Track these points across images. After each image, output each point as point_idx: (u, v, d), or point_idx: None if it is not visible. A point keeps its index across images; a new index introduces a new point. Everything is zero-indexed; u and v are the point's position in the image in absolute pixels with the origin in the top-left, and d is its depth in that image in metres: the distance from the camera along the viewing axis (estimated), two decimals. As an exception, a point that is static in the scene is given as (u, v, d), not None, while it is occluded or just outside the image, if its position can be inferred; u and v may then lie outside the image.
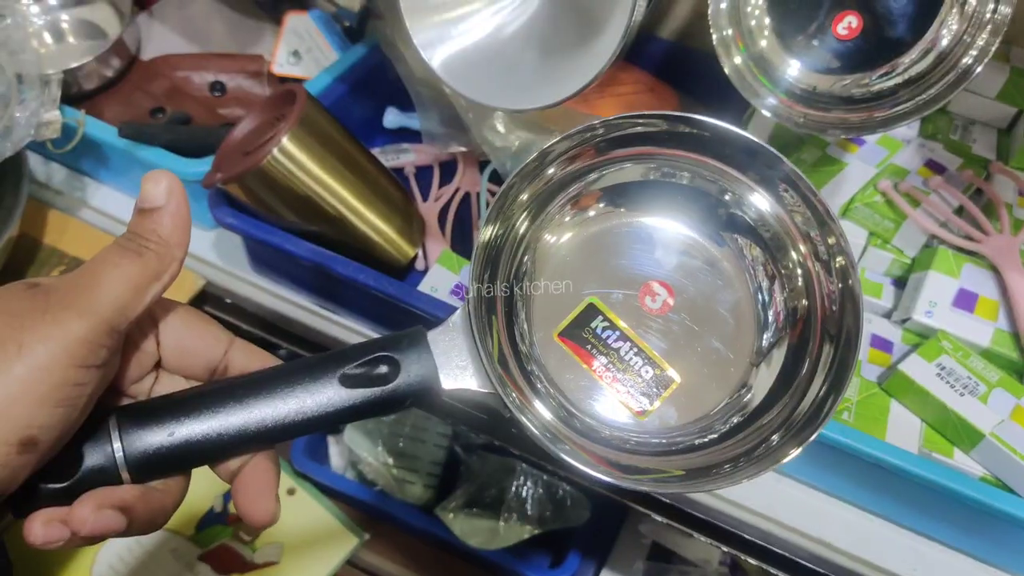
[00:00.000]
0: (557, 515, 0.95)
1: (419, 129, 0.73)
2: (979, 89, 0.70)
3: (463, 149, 0.72)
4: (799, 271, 0.37)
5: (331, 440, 1.03)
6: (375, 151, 0.75)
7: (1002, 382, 0.55)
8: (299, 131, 0.57)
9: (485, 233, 0.35)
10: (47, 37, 0.79)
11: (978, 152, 0.69)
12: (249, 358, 0.36)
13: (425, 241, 0.70)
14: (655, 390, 0.37)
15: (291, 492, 0.99)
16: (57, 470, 0.31)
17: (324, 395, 0.33)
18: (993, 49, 0.44)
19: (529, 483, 0.96)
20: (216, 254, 0.70)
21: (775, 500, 0.57)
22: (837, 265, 0.35)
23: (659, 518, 0.62)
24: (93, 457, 0.32)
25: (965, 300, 0.59)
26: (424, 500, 0.98)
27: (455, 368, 0.34)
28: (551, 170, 0.37)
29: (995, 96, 0.70)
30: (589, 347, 0.37)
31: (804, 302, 0.37)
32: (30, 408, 0.28)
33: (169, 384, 0.36)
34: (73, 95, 0.74)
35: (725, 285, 0.38)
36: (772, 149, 0.35)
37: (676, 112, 0.36)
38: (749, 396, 0.37)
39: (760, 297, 0.38)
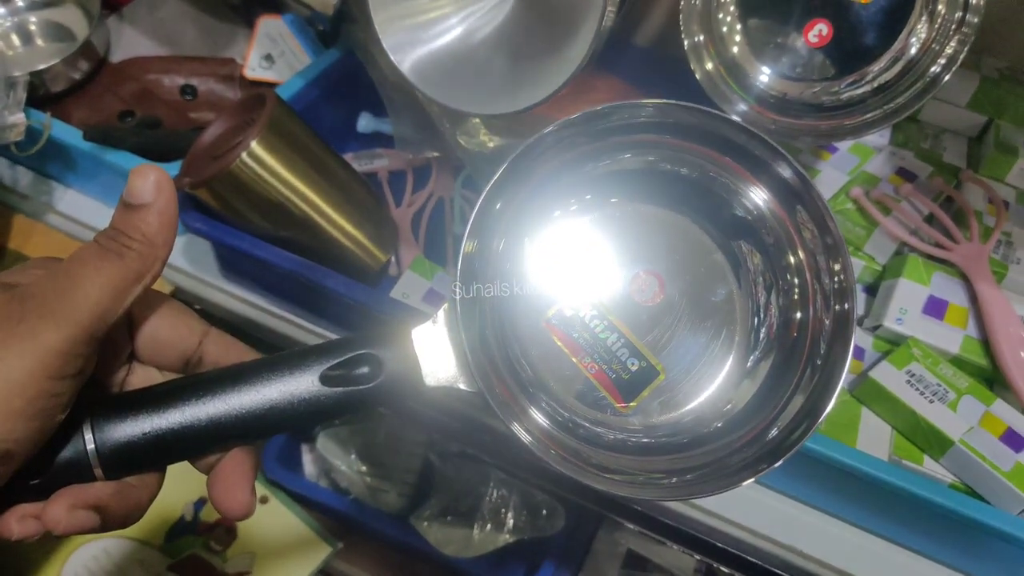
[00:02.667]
0: (532, 523, 0.94)
1: (392, 134, 0.72)
2: (950, 98, 0.70)
3: (437, 154, 0.72)
4: (796, 280, 0.36)
5: (304, 448, 1.02)
6: (348, 156, 0.74)
7: (971, 389, 0.55)
8: (268, 135, 0.56)
9: (467, 245, 0.34)
10: (14, 39, 0.78)
11: (948, 160, 0.69)
12: (225, 349, 0.35)
13: (398, 247, 0.69)
14: (640, 382, 0.36)
15: (264, 500, 0.97)
16: (30, 466, 0.30)
17: (303, 393, 0.32)
18: (961, 58, 0.45)
19: (504, 491, 0.95)
20: (185, 259, 0.69)
21: (747, 508, 0.57)
22: (836, 286, 0.34)
23: (632, 526, 0.62)
24: (66, 453, 0.31)
25: (935, 307, 0.59)
26: (398, 508, 0.97)
27: (438, 366, 0.33)
28: (538, 163, 0.36)
29: (965, 105, 0.70)
30: (576, 336, 0.36)
31: (798, 315, 0.36)
32: (5, 423, 0.27)
33: (143, 375, 0.35)
34: (40, 97, 0.73)
35: (720, 284, 0.37)
36: (794, 162, 0.33)
37: (690, 104, 0.34)
38: (729, 406, 0.36)
39: (757, 315, 0.37)
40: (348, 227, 0.62)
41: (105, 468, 0.31)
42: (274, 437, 0.99)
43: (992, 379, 0.58)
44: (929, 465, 0.54)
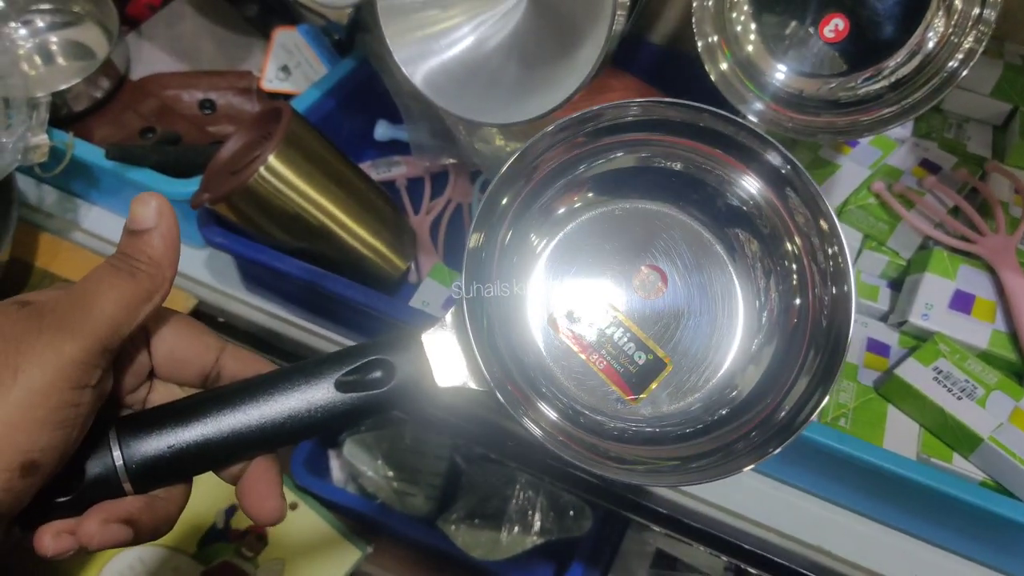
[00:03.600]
0: (560, 525, 0.94)
1: (409, 141, 0.73)
2: (973, 86, 0.69)
3: (454, 160, 0.72)
4: (794, 266, 0.37)
5: (332, 454, 1.02)
6: (366, 164, 0.75)
7: (1000, 384, 0.54)
8: (285, 148, 0.57)
9: (473, 239, 0.35)
10: (36, 59, 0.79)
11: (973, 150, 0.68)
12: (242, 364, 0.37)
13: (417, 254, 0.70)
14: (648, 375, 0.37)
15: (293, 507, 0.98)
16: (61, 483, 0.31)
17: (320, 400, 0.34)
18: (979, 52, 0.44)
19: (531, 493, 0.95)
20: (208, 273, 0.69)
21: (773, 508, 0.57)
22: (832, 269, 0.35)
23: (657, 528, 0.62)
24: (95, 469, 0.32)
25: (962, 302, 0.58)
26: (426, 512, 0.98)
27: (449, 367, 0.34)
28: (539, 163, 0.37)
29: (989, 93, 0.69)
30: (582, 332, 0.37)
31: (797, 301, 0.36)
32: (30, 433, 0.28)
33: (164, 392, 0.36)
34: (63, 117, 0.74)
35: (720, 274, 0.38)
36: (783, 149, 0.34)
37: (675, 100, 0.35)
38: (735, 393, 0.37)
39: (758, 300, 0.37)
40: (367, 236, 0.63)
41: (134, 482, 0.32)
42: (301, 444, 1.00)
43: (1022, 374, 0.56)
44: (958, 463, 0.53)
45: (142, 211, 0.33)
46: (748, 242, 0.38)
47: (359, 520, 0.99)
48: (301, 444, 1.01)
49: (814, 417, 0.33)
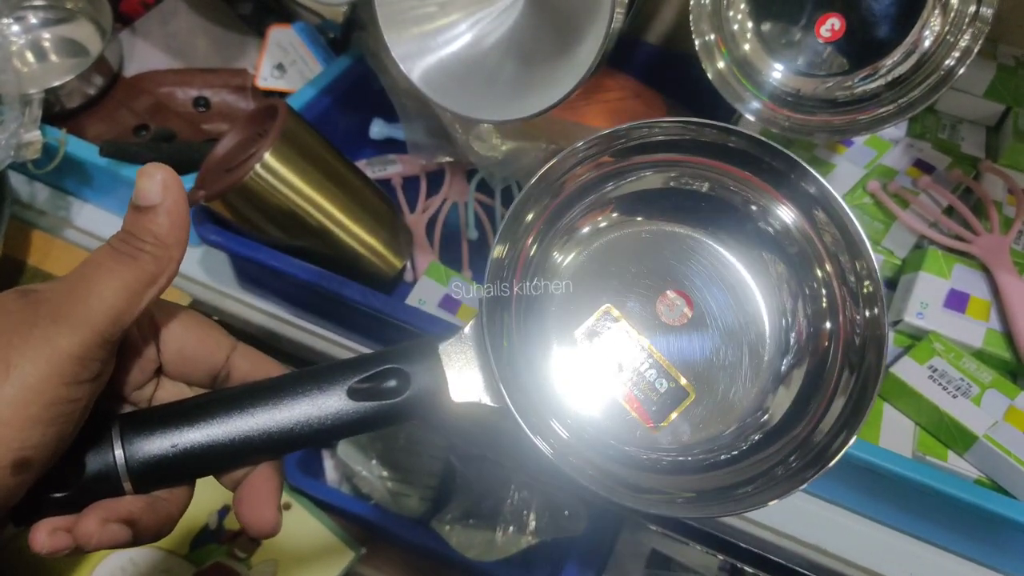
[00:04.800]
0: (555, 525, 0.94)
1: (405, 140, 0.72)
2: (966, 87, 0.70)
3: (450, 159, 0.72)
4: (823, 291, 0.36)
5: (326, 454, 1.02)
6: (361, 163, 0.75)
7: (995, 383, 0.54)
8: (281, 146, 0.57)
9: (497, 250, 0.34)
10: (29, 56, 0.78)
11: (967, 150, 0.68)
12: (253, 364, 0.35)
13: (413, 253, 0.69)
14: (669, 403, 0.36)
15: (286, 507, 0.98)
16: (59, 478, 0.30)
17: (331, 407, 0.33)
18: (975, 51, 0.44)
19: (526, 494, 0.95)
20: (203, 271, 0.69)
21: (770, 507, 0.57)
22: (865, 292, 0.34)
23: (654, 528, 0.61)
24: (95, 466, 0.31)
25: (956, 301, 0.58)
26: (420, 513, 0.97)
27: (466, 381, 0.33)
28: (566, 180, 0.36)
29: (982, 94, 0.70)
30: (604, 358, 0.36)
31: (827, 324, 0.35)
32: (22, 430, 0.27)
33: (171, 390, 0.35)
34: (56, 114, 0.74)
35: (747, 299, 0.36)
36: (808, 167, 0.34)
37: (706, 120, 0.34)
38: (766, 417, 0.35)
39: (784, 320, 0.36)
40: (363, 235, 0.62)
41: (135, 482, 0.31)
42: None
43: (1016, 372, 0.57)
44: (953, 461, 0.53)
45: (147, 185, 0.30)
46: (774, 263, 0.37)
47: (353, 521, 0.98)
48: (295, 444, 1.00)
49: (851, 442, 0.32)
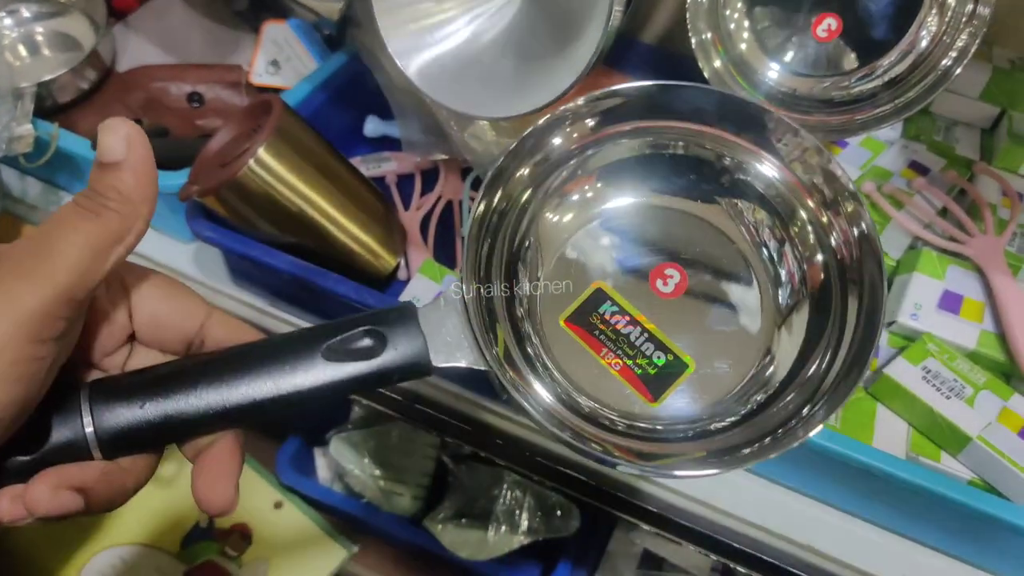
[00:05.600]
0: (547, 524, 0.94)
1: (400, 137, 0.72)
2: (962, 89, 0.70)
3: (444, 157, 0.72)
4: (809, 228, 0.36)
5: (317, 453, 1.02)
6: (356, 160, 0.74)
7: (988, 384, 0.54)
8: (275, 141, 0.56)
9: (478, 209, 0.34)
10: (21, 50, 0.78)
11: (961, 152, 0.68)
12: (228, 331, 0.35)
13: (407, 251, 0.69)
14: (668, 376, 0.35)
15: (278, 505, 0.98)
16: (24, 443, 0.30)
17: (307, 370, 0.32)
18: (972, 50, 0.44)
19: (518, 493, 0.95)
20: (196, 267, 0.69)
21: (763, 507, 0.57)
22: (848, 210, 0.34)
23: (647, 527, 0.61)
24: (62, 431, 0.30)
25: (950, 302, 0.58)
26: (412, 511, 0.97)
27: (446, 344, 0.33)
28: (547, 150, 0.36)
29: (978, 96, 0.70)
30: (597, 333, 0.36)
31: (819, 257, 0.36)
32: None
33: (144, 358, 0.34)
34: (48, 108, 0.73)
35: (736, 256, 0.37)
36: (758, 101, 0.35)
37: (658, 81, 0.35)
38: (772, 368, 0.35)
39: (769, 254, 0.36)
40: (357, 232, 0.62)
41: (103, 447, 0.31)
42: (287, 442, 1.00)
43: (1010, 374, 0.57)
44: (947, 462, 0.53)
45: (109, 140, 0.29)
46: (753, 211, 0.37)
47: (345, 519, 0.98)
48: (287, 442, 1.00)
49: (864, 375, 0.32)
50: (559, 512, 0.94)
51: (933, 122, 0.71)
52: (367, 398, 0.67)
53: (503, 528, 0.93)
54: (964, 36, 0.44)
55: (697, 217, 0.37)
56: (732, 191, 0.37)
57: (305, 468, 1.01)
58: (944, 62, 0.45)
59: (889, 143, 0.68)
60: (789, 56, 0.52)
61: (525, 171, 0.36)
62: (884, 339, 0.60)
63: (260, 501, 0.97)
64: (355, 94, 0.74)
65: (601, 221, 0.37)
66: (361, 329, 0.32)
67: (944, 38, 0.45)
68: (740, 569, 0.60)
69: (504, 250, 0.36)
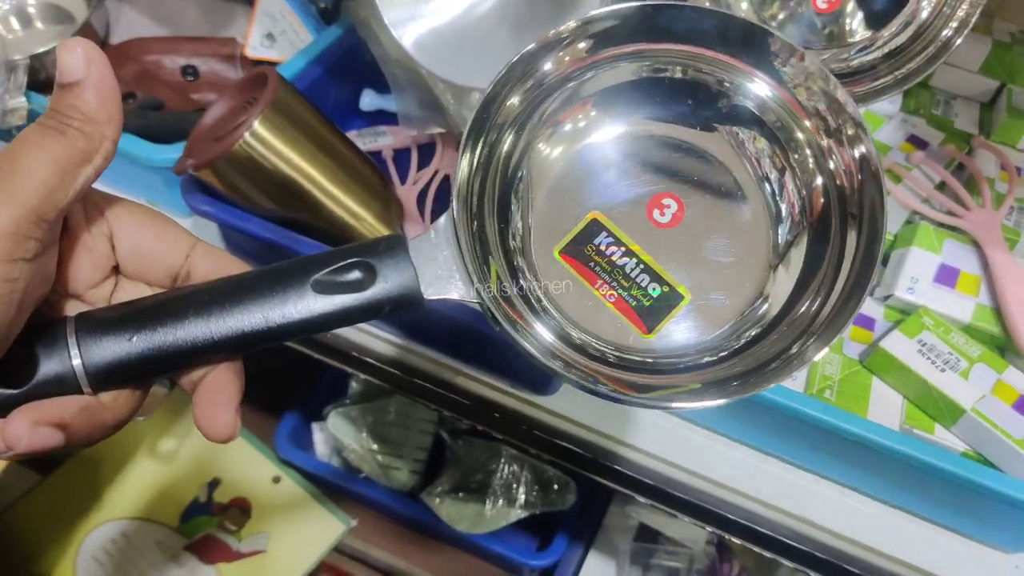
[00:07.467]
0: (544, 498, 0.95)
1: (396, 111, 0.72)
2: (961, 63, 0.69)
3: (441, 130, 0.71)
4: (808, 151, 0.35)
5: (315, 427, 1.02)
6: (352, 134, 0.74)
7: (983, 357, 0.54)
8: (271, 114, 0.56)
9: (467, 140, 0.33)
10: (14, 22, 0.77)
11: (960, 127, 0.68)
12: (214, 263, 0.34)
13: (404, 225, 0.69)
14: (663, 308, 0.35)
15: (276, 480, 0.98)
16: (11, 376, 0.30)
17: (295, 302, 0.32)
18: (973, 20, 0.44)
19: (515, 467, 0.95)
20: (191, 242, 0.68)
21: (758, 479, 0.57)
22: (849, 134, 0.33)
23: (643, 500, 0.62)
24: (49, 365, 0.30)
25: (947, 276, 0.58)
26: (410, 486, 0.98)
27: (437, 277, 0.32)
28: (538, 76, 0.35)
29: (977, 69, 0.69)
30: (592, 264, 0.35)
31: (819, 181, 0.35)
32: None
33: (130, 291, 0.34)
34: (41, 81, 0.72)
35: (735, 186, 0.36)
36: (762, 25, 0.34)
37: (672, 3, 0.34)
38: (766, 307, 0.34)
39: (770, 188, 0.36)
40: (354, 206, 0.62)
41: (91, 379, 0.31)
42: (284, 418, 1.00)
43: (1004, 347, 0.57)
44: (941, 434, 0.53)
45: (68, 59, 0.29)
46: (754, 140, 0.36)
47: (343, 494, 0.99)
48: (285, 416, 1.00)
49: (862, 304, 0.31)
50: (556, 486, 0.95)
51: (932, 96, 0.70)
52: (364, 372, 0.67)
53: (500, 502, 0.94)
54: (965, 6, 0.44)
55: (696, 146, 0.36)
56: (731, 117, 0.36)
57: (303, 443, 1.02)
58: (945, 32, 0.44)
59: (888, 117, 0.68)
60: (788, 28, 0.52)
61: (515, 99, 0.35)
62: (880, 313, 0.60)
63: (259, 476, 0.98)
64: (351, 67, 0.74)
65: (596, 150, 0.36)
66: (350, 261, 0.32)
67: (945, 8, 0.45)
68: (735, 540, 0.60)
69: (496, 182, 0.35)
